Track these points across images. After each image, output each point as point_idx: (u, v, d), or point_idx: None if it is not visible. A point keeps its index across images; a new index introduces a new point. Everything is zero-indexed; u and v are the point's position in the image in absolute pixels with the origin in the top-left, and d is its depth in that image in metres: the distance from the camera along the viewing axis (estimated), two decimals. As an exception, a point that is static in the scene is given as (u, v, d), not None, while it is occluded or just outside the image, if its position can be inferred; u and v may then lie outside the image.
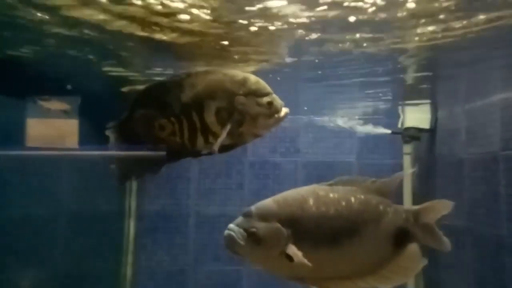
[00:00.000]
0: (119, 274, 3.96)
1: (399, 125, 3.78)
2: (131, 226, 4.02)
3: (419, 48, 2.18)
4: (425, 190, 3.55)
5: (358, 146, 4.11)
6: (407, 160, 3.81)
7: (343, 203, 1.50)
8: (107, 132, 1.76)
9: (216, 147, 1.64)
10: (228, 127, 1.64)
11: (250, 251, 1.47)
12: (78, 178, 3.62)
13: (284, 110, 1.72)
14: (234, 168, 4.11)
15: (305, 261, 1.40)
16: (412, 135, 3.67)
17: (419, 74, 2.74)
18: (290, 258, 1.42)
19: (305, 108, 3.98)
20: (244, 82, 1.68)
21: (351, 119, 4.05)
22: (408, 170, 1.65)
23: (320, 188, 1.55)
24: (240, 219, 1.51)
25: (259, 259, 1.50)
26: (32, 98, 2.94)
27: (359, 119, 4.04)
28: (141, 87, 1.76)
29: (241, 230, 1.46)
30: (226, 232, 1.48)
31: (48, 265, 3.38)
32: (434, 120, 3.55)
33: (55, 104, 3.11)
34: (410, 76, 2.79)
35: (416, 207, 1.61)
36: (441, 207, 1.61)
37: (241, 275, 3.97)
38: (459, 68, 2.54)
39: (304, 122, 4.13)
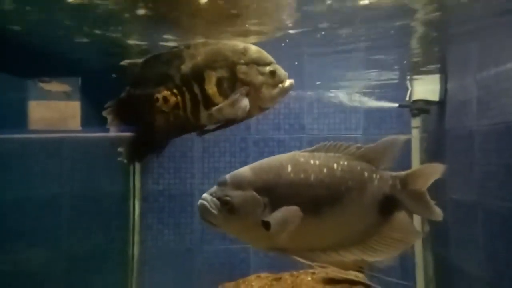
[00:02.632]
0: (127, 254, 3.98)
1: (407, 98, 3.67)
2: (136, 206, 4.02)
3: (428, 7, 2.06)
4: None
5: (364, 121, 4.02)
6: (415, 134, 3.72)
7: (325, 170, 1.42)
8: (105, 113, 1.69)
9: (214, 110, 1.56)
10: (236, 96, 1.57)
11: (225, 221, 1.41)
12: (82, 159, 3.61)
13: (288, 81, 1.66)
14: (238, 146, 4.06)
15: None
16: (420, 108, 3.56)
17: (428, 41, 2.63)
18: (267, 226, 1.36)
19: (318, 82, 3.87)
20: (245, 51, 1.62)
21: (357, 93, 3.96)
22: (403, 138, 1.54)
23: (300, 155, 1.47)
24: (214, 188, 1.46)
25: (235, 229, 1.45)
26: (32, 80, 2.90)
27: (365, 93, 3.94)
28: (140, 60, 1.68)
29: (215, 199, 1.41)
30: (200, 201, 1.43)
31: (55, 245, 3.40)
32: (444, 91, 3.43)
33: (56, 86, 3.07)
34: (418, 41, 2.67)
35: (404, 172, 1.51)
36: (430, 172, 1.50)
37: (248, 253, 3.97)
38: (471, 32, 2.41)
39: (309, 98, 4.04)
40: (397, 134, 4.14)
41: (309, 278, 2.40)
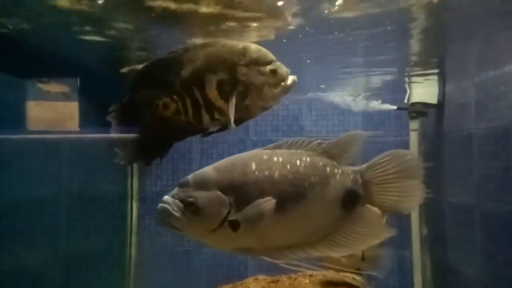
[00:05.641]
0: (124, 255, 3.97)
1: (406, 101, 3.67)
2: (134, 207, 4.01)
3: (427, 11, 2.06)
4: (432, 167, 3.48)
5: (362, 123, 4.02)
6: (413, 137, 3.72)
7: (288, 167, 1.41)
8: (108, 118, 1.68)
9: (231, 119, 1.55)
10: (234, 100, 1.56)
11: (189, 224, 1.35)
12: (80, 160, 3.60)
13: (291, 78, 1.62)
14: (236, 147, 4.06)
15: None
16: (418, 110, 3.56)
17: (426, 44, 2.63)
18: (233, 227, 1.34)
19: (322, 86, 3.87)
20: (244, 51, 1.58)
21: (355, 95, 3.96)
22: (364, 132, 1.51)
23: (263, 152, 1.45)
24: (176, 189, 1.39)
25: (199, 231, 1.39)
26: (31, 80, 2.90)
27: (364, 95, 3.94)
28: (140, 66, 1.67)
29: (177, 201, 1.35)
30: (160, 204, 1.36)
31: (53, 246, 3.39)
32: (442, 94, 3.44)
33: (54, 87, 3.06)
34: (416, 44, 2.68)
35: (365, 165, 1.47)
36: (391, 159, 1.44)
37: (246, 256, 3.95)
38: (470, 35, 2.42)
39: (308, 100, 4.04)
40: (396, 137, 4.14)
41: (307, 281, 2.39)
